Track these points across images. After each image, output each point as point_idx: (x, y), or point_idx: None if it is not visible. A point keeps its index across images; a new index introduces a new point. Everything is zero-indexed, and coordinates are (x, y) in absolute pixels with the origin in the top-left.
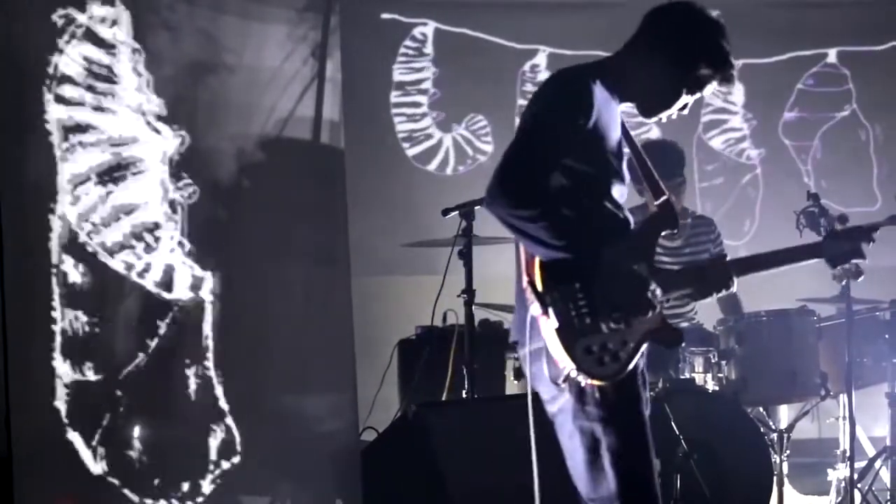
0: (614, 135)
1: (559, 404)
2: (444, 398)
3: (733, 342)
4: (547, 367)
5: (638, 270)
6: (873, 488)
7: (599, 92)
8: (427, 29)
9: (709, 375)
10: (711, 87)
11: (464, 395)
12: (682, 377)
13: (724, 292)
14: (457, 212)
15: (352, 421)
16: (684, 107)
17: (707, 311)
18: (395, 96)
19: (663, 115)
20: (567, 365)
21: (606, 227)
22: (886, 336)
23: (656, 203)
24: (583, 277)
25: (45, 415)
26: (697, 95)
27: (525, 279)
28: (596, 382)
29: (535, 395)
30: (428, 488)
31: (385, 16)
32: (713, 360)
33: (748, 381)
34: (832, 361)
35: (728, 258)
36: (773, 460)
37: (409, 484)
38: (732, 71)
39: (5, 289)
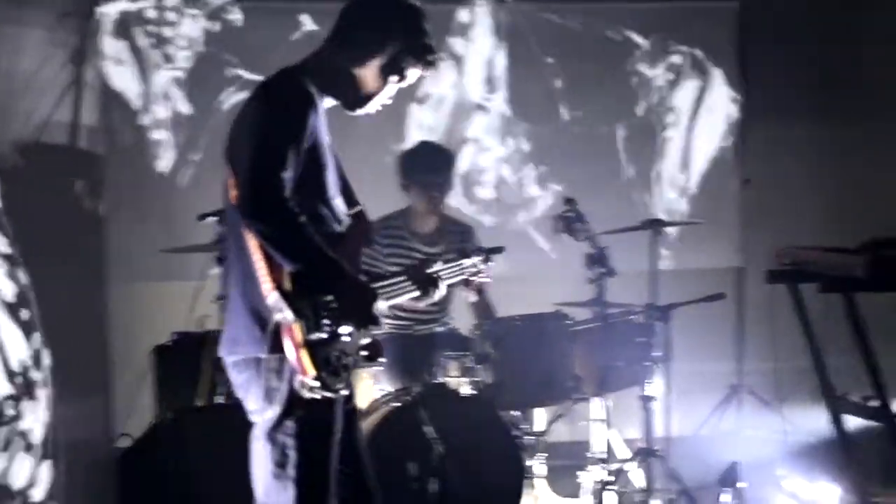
0: (326, 137)
1: (265, 415)
2: (199, 403)
3: (489, 346)
4: (273, 376)
5: (368, 283)
6: (626, 489)
7: (314, 92)
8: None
9: (464, 380)
10: (415, 73)
11: (220, 401)
12: (437, 381)
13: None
14: (214, 217)
15: (106, 427)
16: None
17: (463, 316)
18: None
19: (369, 107)
20: (309, 374)
21: (325, 234)
22: (640, 339)
23: (349, 213)
24: (327, 288)
25: None
26: (403, 83)
27: (270, 286)
28: (327, 395)
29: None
30: (184, 494)
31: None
32: (469, 365)
33: (504, 385)
34: (586, 365)
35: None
36: (525, 463)
37: (164, 490)
38: (434, 55)
39: None
